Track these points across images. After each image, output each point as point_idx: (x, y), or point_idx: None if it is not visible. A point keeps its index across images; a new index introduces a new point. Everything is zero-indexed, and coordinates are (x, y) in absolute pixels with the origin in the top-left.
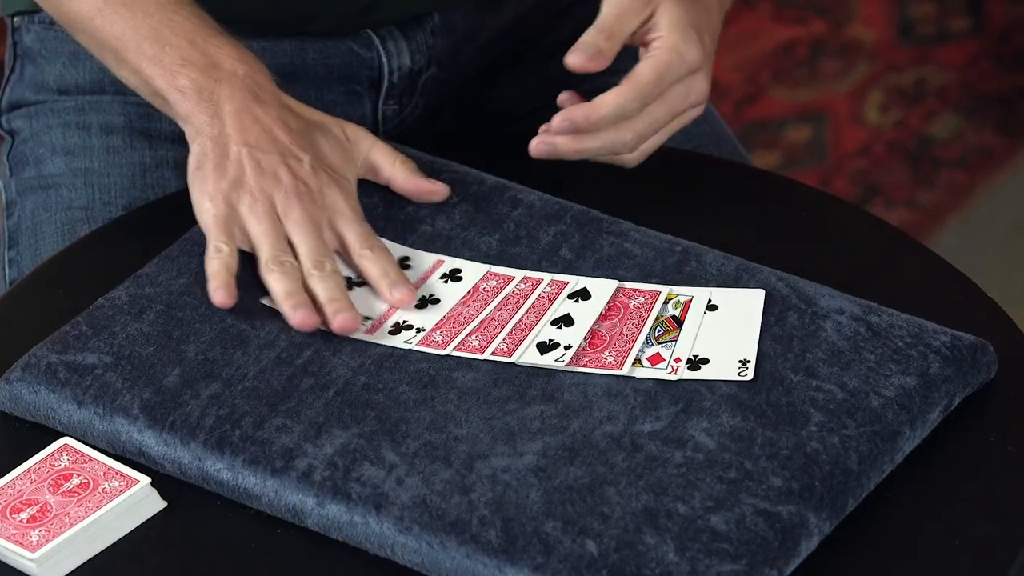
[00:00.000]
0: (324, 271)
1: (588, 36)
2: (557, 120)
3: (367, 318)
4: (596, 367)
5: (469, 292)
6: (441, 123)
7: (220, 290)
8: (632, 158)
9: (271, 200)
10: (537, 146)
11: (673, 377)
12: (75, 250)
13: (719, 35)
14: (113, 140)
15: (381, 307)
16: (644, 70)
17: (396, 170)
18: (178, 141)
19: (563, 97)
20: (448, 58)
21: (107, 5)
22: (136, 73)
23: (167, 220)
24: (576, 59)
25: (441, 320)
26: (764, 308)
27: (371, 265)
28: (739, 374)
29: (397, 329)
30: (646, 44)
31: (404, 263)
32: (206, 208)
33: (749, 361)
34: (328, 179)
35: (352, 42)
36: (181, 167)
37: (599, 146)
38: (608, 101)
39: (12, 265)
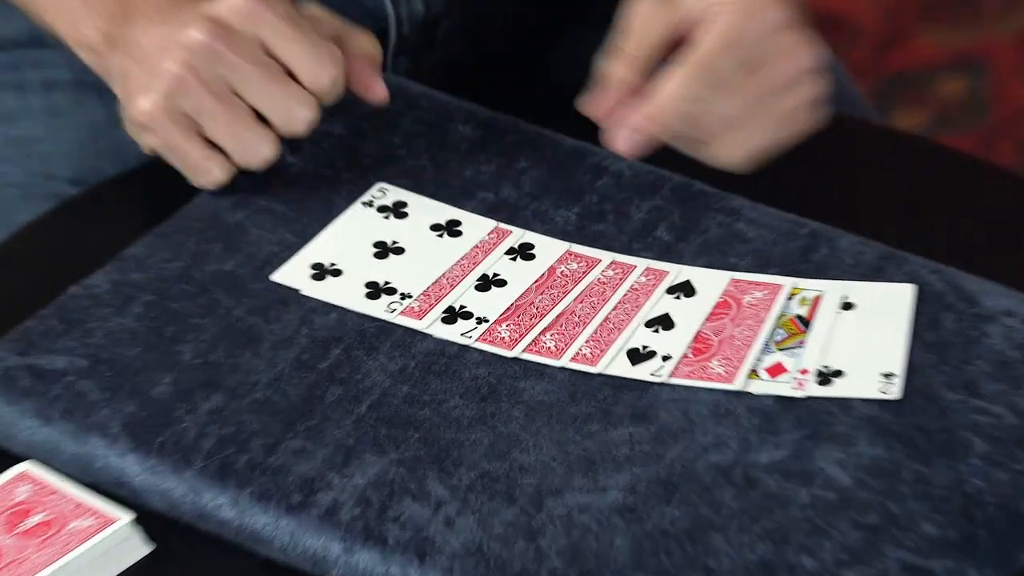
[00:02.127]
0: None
1: (604, 66)
2: (623, 143)
3: (405, 296)
4: (700, 379)
5: (544, 275)
6: (477, 84)
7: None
8: (728, 154)
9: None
10: (619, 142)
11: (799, 393)
12: (38, 226)
13: None
14: (56, 98)
15: (426, 279)
16: (706, 38)
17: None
18: None
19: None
20: (471, 3)
21: None
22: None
23: (157, 189)
24: (595, 108)
25: (508, 310)
26: (914, 308)
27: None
28: (881, 391)
29: (452, 316)
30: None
31: (454, 228)
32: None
33: (895, 375)
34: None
35: None
36: None
37: (669, 137)
38: (662, 91)
39: None
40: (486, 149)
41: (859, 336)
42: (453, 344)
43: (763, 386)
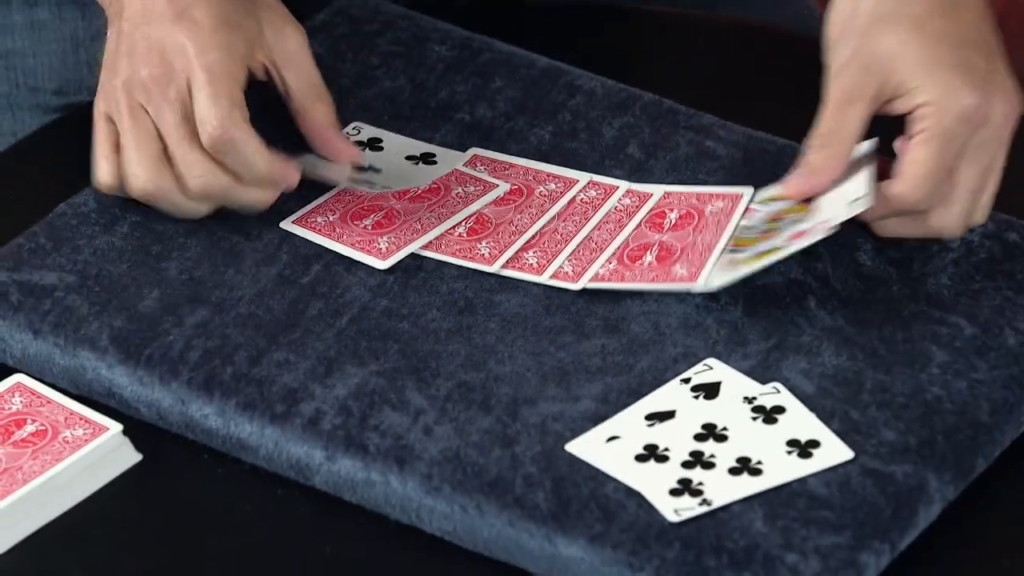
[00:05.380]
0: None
1: (808, 152)
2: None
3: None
4: (666, 281)
5: (523, 195)
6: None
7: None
8: (954, 228)
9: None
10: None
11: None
12: (22, 145)
13: (995, 24)
14: (38, 13)
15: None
16: (919, 151)
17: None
18: None
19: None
20: None
21: None
22: None
23: None
24: (792, 189)
25: (487, 228)
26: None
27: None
28: (851, 205)
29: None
30: (907, 112)
31: (428, 159)
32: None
33: (861, 196)
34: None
35: None
36: None
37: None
38: (884, 194)
39: None
40: (462, 69)
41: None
42: (431, 259)
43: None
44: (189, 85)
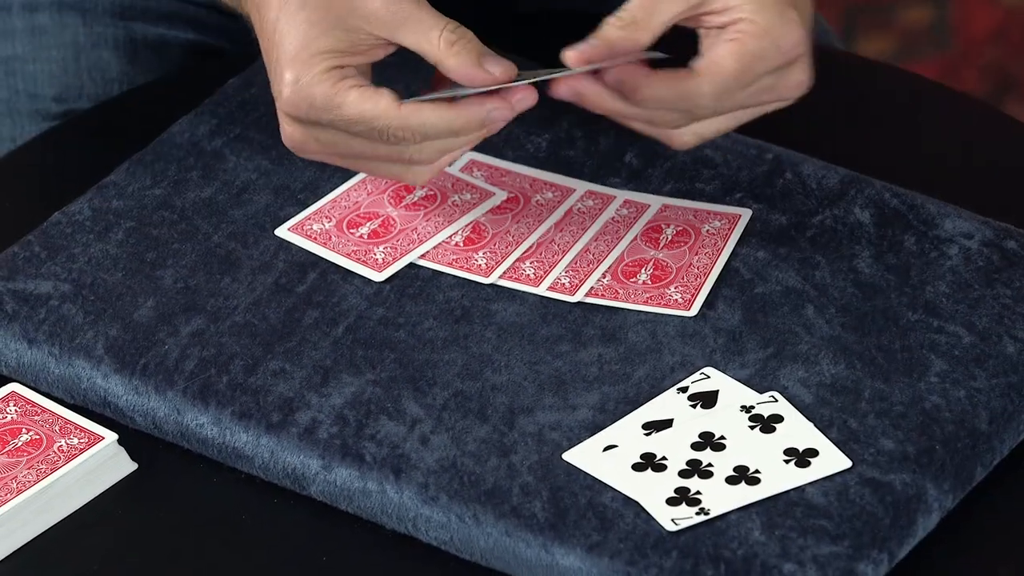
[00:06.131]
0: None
1: (606, 27)
2: (607, 77)
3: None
4: (659, 305)
5: (520, 205)
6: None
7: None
8: (682, 140)
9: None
10: (562, 88)
11: None
12: (19, 153)
13: None
14: (39, 19)
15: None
16: (726, 58)
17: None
18: (118, 15)
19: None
20: None
21: None
22: None
23: (137, 117)
24: (575, 56)
25: (485, 238)
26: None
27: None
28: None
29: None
30: (716, 26)
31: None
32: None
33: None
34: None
35: None
36: (122, 47)
37: (635, 121)
38: (670, 86)
39: None
40: None
41: None
42: (427, 268)
43: None
44: None
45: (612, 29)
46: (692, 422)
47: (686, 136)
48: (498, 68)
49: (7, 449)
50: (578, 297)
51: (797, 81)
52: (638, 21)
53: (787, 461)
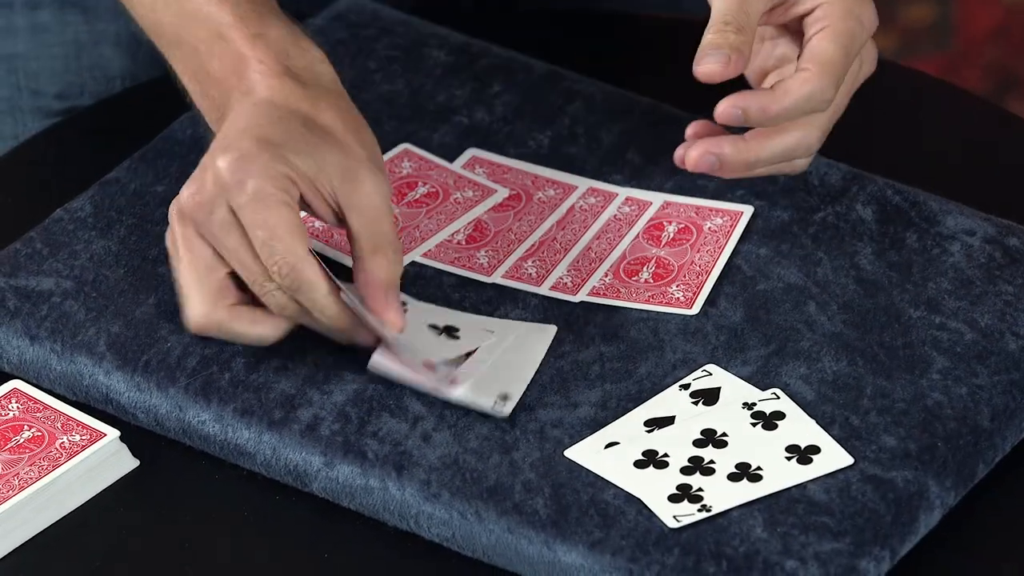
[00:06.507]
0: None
1: (710, 34)
2: (724, 106)
3: None
4: (661, 304)
5: (522, 202)
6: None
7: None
8: (803, 162)
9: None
10: (688, 154)
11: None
12: (21, 151)
13: None
14: (41, 16)
15: None
16: (827, 46)
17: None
18: (120, 12)
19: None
20: None
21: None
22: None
23: (139, 114)
24: (707, 68)
25: (487, 237)
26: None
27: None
28: None
29: None
30: (796, 18)
31: (452, 332)
32: None
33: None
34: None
35: None
36: (123, 44)
37: (780, 151)
38: (795, 89)
39: None
40: (460, 74)
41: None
42: (430, 268)
43: None
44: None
45: (722, 36)
46: (694, 419)
47: (815, 146)
48: (397, 320)
49: (9, 446)
50: (580, 297)
51: (873, 55)
52: (742, 22)
53: (789, 458)
